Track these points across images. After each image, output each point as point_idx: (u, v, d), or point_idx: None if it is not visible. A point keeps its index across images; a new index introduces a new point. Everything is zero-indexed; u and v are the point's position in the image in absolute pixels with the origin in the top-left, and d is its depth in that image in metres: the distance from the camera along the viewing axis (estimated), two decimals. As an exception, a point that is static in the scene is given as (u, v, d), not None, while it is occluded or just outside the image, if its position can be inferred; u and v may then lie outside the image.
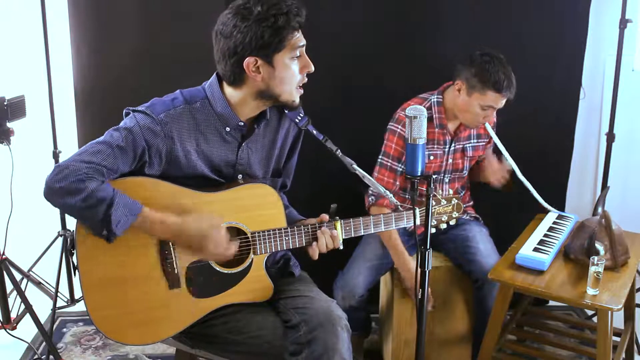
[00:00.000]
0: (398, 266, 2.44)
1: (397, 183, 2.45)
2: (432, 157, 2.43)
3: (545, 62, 2.92)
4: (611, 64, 2.93)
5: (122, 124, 1.72)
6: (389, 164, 2.43)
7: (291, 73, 1.73)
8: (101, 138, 1.69)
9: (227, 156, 1.83)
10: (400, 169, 2.43)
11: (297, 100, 1.79)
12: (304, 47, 1.75)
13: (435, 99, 2.43)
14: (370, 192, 2.45)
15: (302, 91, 1.79)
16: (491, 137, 2.54)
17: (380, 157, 2.45)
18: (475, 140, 2.52)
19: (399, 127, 2.39)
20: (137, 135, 1.69)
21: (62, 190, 1.60)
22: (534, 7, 2.86)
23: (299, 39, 1.72)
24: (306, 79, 1.78)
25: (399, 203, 2.04)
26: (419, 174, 1.64)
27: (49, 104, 2.85)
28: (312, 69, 1.76)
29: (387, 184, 2.43)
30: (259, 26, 1.66)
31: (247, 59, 1.69)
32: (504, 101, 2.34)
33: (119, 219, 1.62)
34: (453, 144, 2.47)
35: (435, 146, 2.43)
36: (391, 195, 1.93)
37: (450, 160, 2.48)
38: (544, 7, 2.86)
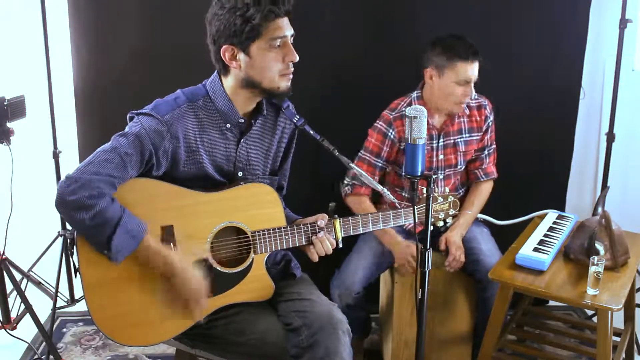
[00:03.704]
0: (385, 243, 2.45)
1: (376, 177, 2.47)
2: None
3: (545, 62, 2.92)
4: (611, 64, 2.93)
5: (127, 128, 1.72)
6: (367, 157, 2.47)
7: (269, 62, 1.73)
8: (108, 145, 1.69)
9: (227, 153, 1.84)
10: (381, 164, 2.46)
11: (283, 86, 1.77)
12: (288, 37, 1.74)
13: (415, 95, 2.47)
14: (345, 182, 2.48)
15: (290, 77, 1.78)
16: (486, 131, 2.53)
17: (361, 151, 2.49)
18: (467, 135, 2.51)
19: (380, 123, 2.45)
20: (144, 139, 1.69)
21: (72, 203, 1.60)
22: (534, 7, 2.86)
23: (280, 28, 1.71)
24: (292, 69, 1.77)
25: (395, 200, 2.04)
26: (419, 174, 1.64)
27: (49, 104, 2.85)
28: (295, 58, 1.75)
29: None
30: (232, 14, 1.69)
31: (222, 47, 1.72)
32: (476, 69, 2.34)
33: (119, 246, 1.62)
34: (441, 139, 2.46)
35: None
36: (388, 192, 1.93)
37: (441, 157, 2.48)
38: (544, 7, 2.86)
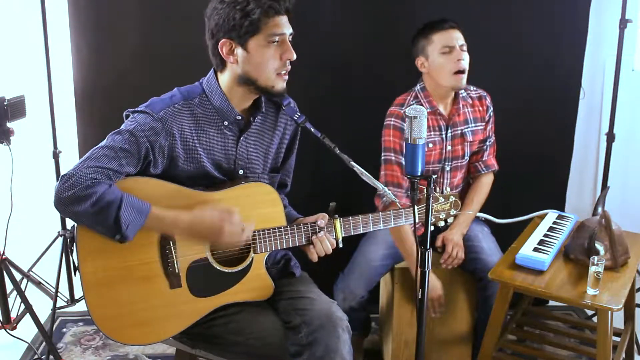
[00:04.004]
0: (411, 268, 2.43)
1: (406, 180, 2.41)
2: (430, 145, 2.42)
3: (545, 62, 2.92)
4: (611, 64, 2.93)
5: (123, 126, 1.73)
6: (392, 157, 2.40)
7: (266, 58, 1.73)
8: (103, 143, 1.70)
9: (227, 151, 1.84)
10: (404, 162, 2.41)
11: (278, 86, 1.78)
12: (286, 35, 1.75)
13: (419, 87, 2.47)
14: (381, 197, 2.42)
15: (286, 77, 1.78)
16: (488, 121, 2.53)
17: (383, 154, 2.42)
18: (473, 125, 2.50)
19: (392, 119, 2.40)
20: (139, 136, 1.69)
21: (70, 198, 1.60)
22: (534, 7, 2.86)
23: (279, 25, 1.72)
24: (288, 68, 1.77)
25: (397, 200, 2.03)
26: (419, 174, 1.64)
27: (49, 104, 2.85)
28: (293, 57, 1.76)
29: (398, 179, 2.39)
30: (232, 8, 1.69)
31: (221, 41, 1.73)
32: (456, 35, 2.36)
33: (129, 220, 1.62)
34: (450, 130, 2.46)
35: (432, 133, 2.43)
36: (389, 191, 1.91)
37: (449, 147, 2.48)
38: (544, 7, 2.87)
